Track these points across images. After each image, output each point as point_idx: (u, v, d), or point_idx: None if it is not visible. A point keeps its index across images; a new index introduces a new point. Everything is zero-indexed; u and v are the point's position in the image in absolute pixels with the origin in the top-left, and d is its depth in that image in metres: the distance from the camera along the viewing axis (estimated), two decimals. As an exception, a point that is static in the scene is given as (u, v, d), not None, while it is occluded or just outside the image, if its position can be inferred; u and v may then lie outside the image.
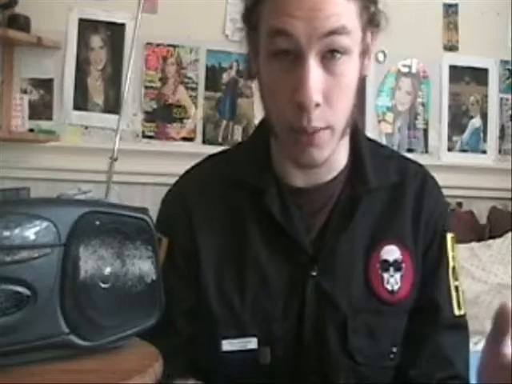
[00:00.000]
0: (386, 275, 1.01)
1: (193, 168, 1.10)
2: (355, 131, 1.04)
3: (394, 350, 1.01)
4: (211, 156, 1.10)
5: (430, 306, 1.03)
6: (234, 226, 1.01)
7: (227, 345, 0.98)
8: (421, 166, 1.09)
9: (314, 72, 0.88)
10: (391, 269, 1.01)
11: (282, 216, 0.99)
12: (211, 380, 1.02)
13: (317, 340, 0.98)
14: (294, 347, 0.98)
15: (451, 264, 1.05)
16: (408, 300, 1.02)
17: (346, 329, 0.98)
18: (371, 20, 0.94)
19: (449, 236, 1.06)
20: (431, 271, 1.04)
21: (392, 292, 1.00)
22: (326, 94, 0.89)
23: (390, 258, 1.01)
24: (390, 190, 1.04)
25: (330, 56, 0.89)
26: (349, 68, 0.91)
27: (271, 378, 0.98)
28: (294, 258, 0.99)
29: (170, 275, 0.99)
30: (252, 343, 0.97)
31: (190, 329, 1.01)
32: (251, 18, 0.94)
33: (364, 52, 0.95)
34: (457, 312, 1.04)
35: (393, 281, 1.01)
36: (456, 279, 1.06)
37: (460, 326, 1.05)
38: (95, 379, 0.66)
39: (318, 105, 0.88)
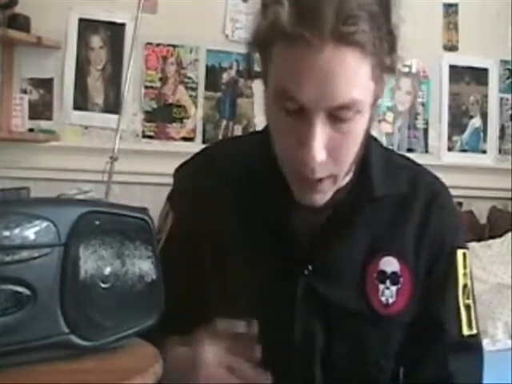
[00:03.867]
0: (381, 286, 0.98)
1: (206, 151, 1.12)
2: (367, 140, 1.01)
3: (382, 362, 0.99)
4: (226, 139, 1.12)
5: (436, 325, 1.00)
6: (239, 212, 1.01)
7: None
8: (436, 178, 1.06)
9: (320, 132, 0.85)
10: (388, 281, 0.99)
11: (281, 209, 0.98)
12: None
13: (304, 337, 0.97)
14: (283, 340, 0.97)
15: (462, 282, 1.02)
16: (402, 315, 0.99)
17: (330, 332, 0.97)
18: (387, 70, 0.89)
19: (460, 252, 1.02)
20: (438, 288, 1.01)
21: (386, 305, 0.98)
22: (332, 149, 0.87)
23: (388, 270, 0.99)
24: (398, 200, 1.01)
25: (339, 116, 0.85)
26: (358, 124, 0.88)
27: (260, 365, 0.96)
28: (290, 253, 0.98)
29: (170, 250, 1.01)
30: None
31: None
32: (261, 50, 0.90)
33: (377, 98, 0.91)
34: (466, 332, 1.00)
35: (388, 293, 0.98)
36: (468, 297, 1.02)
37: (469, 347, 1.01)
38: (95, 379, 0.66)
39: (321, 162, 0.87)
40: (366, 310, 0.98)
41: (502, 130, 3.63)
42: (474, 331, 1.01)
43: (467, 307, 1.02)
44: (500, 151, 3.62)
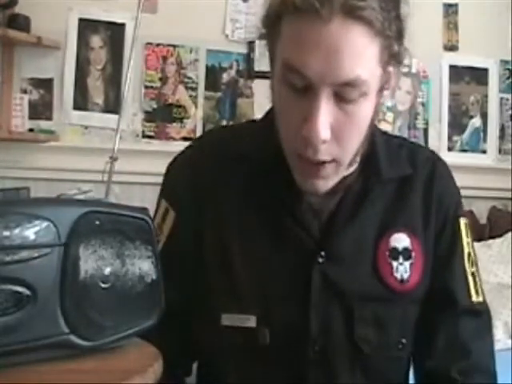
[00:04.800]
0: (395, 263, 0.99)
1: (201, 140, 1.11)
2: (372, 134, 1.01)
3: (404, 341, 1.00)
4: (220, 128, 1.10)
5: (445, 293, 1.02)
6: (242, 203, 1.00)
7: (227, 319, 0.98)
8: (432, 151, 1.09)
9: (325, 108, 0.85)
10: (400, 257, 1.00)
11: (289, 198, 0.98)
12: (212, 361, 1.03)
13: (322, 328, 0.97)
14: (298, 333, 0.97)
15: (466, 250, 1.04)
16: (418, 289, 1.00)
17: (352, 318, 0.97)
18: (394, 57, 0.90)
19: (462, 221, 1.05)
20: (445, 257, 1.02)
21: (402, 281, 0.99)
22: (336, 129, 0.87)
23: (399, 246, 1.00)
24: (401, 179, 1.03)
25: (343, 95, 0.86)
26: (363, 108, 0.88)
27: (271, 362, 0.97)
28: (301, 242, 0.98)
29: (174, 250, 1.00)
30: (251, 321, 0.97)
31: (182, 299, 1.00)
32: (270, 28, 0.91)
33: (383, 87, 0.92)
34: (475, 298, 1.03)
35: (402, 269, 0.99)
36: (472, 265, 1.04)
37: (479, 313, 1.03)
38: (95, 379, 0.66)
39: (325, 141, 0.87)
40: (382, 290, 0.98)
41: (502, 130, 3.62)
42: (481, 298, 1.04)
43: (473, 275, 1.04)
44: (500, 151, 3.62)
